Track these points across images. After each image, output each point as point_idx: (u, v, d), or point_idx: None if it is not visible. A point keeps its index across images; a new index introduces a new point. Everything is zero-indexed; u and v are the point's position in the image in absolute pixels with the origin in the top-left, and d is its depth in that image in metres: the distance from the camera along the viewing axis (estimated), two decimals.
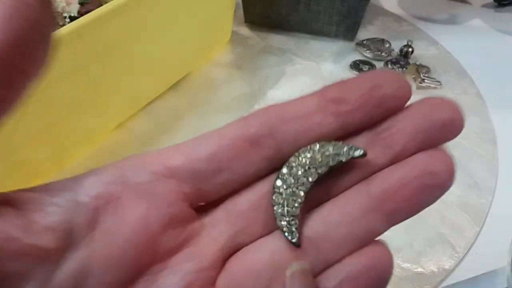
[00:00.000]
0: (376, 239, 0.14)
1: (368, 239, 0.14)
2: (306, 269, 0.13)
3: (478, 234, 0.29)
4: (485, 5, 0.52)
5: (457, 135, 0.13)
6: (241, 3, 0.46)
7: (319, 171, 0.14)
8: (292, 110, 0.14)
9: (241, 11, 0.47)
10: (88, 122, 0.33)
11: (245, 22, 0.48)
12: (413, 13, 0.50)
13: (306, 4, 0.44)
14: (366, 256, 0.13)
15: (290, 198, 0.14)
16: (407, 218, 0.14)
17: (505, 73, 0.42)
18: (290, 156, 0.14)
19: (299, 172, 0.14)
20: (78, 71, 0.29)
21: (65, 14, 0.37)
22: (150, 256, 0.14)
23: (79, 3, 0.37)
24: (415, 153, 0.13)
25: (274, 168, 0.14)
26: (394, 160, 0.13)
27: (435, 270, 0.26)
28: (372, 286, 0.13)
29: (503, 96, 0.39)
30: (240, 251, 0.14)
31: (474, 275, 0.26)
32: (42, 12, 0.12)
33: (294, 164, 0.14)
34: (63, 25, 0.35)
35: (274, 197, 0.14)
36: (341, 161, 0.13)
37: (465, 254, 0.27)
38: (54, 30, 0.12)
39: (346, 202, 0.14)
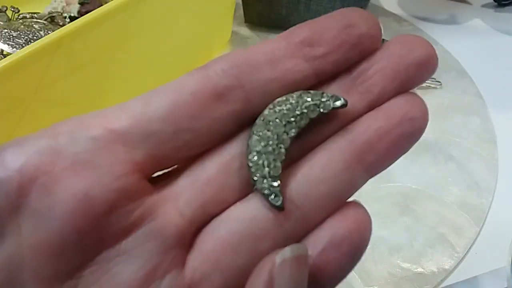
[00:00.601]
0: (354, 200, 0.12)
1: (348, 194, 0.12)
2: (302, 255, 0.11)
3: (478, 234, 0.29)
4: (485, 5, 0.52)
5: (433, 74, 0.13)
6: (241, 3, 0.46)
7: (299, 125, 0.12)
8: (259, 55, 0.12)
9: (241, 11, 0.47)
10: None
11: (245, 22, 0.48)
12: (413, 13, 0.50)
13: (306, 4, 0.44)
14: (348, 219, 0.12)
15: (270, 156, 0.12)
16: (385, 168, 0.12)
17: (505, 73, 0.42)
18: (260, 109, 0.12)
19: (277, 127, 0.12)
20: (78, 70, 0.29)
21: (65, 14, 0.37)
22: (96, 241, 0.11)
23: (79, 3, 0.37)
24: (393, 95, 0.12)
25: (242, 125, 0.12)
26: (373, 104, 0.12)
27: (435, 270, 0.26)
28: (355, 251, 0.12)
29: (503, 96, 0.39)
30: (211, 223, 0.12)
31: (474, 275, 0.27)
32: None
33: (270, 118, 0.12)
34: (63, 25, 0.35)
35: (250, 157, 0.12)
36: (322, 112, 0.12)
37: (465, 254, 0.27)
38: None
39: (326, 156, 0.12)
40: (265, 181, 0.12)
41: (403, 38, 0.13)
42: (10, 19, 0.38)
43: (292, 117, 0.12)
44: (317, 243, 0.12)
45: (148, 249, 0.11)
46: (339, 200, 0.12)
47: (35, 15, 0.38)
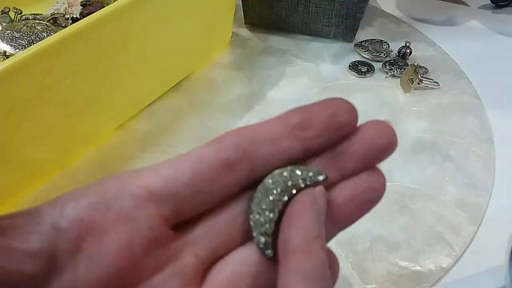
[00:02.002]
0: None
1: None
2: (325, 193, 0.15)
3: (476, 233, 0.29)
4: (482, 7, 0.52)
5: (391, 154, 0.16)
6: (241, 5, 0.47)
7: (290, 193, 0.15)
8: (263, 133, 0.15)
9: (241, 13, 0.48)
10: (90, 122, 0.33)
11: (245, 23, 0.49)
12: (411, 14, 0.51)
13: (306, 6, 0.44)
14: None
15: (267, 217, 0.15)
16: (352, 224, 0.16)
17: (502, 74, 0.42)
18: (260, 176, 0.15)
19: (274, 194, 0.15)
20: (80, 72, 0.29)
21: (67, 16, 0.37)
22: (134, 278, 0.14)
23: (81, 5, 0.38)
24: (361, 170, 0.16)
25: (245, 187, 0.16)
26: (345, 177, 0.16)
27: (433, 268, 0.27)
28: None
29: (500, 96, 0.40)
30: (219, 262, 0.16)
31: (471, 274, 0.27)
32: None
33: (269, 187, 0.15)
34: (65, 26, 0.35)
35: (251, 217, 0.15)
36: (308, 184, 0.15)
37: (463, 252, 0.28)
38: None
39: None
40: (261, 237, 0.15)
41: (374, 123, 0.16)
42: (13, 20, 0.38)
43: (286, 187, 0.15)
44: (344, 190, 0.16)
45: (173, 284, 0.15)
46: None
47: (38, 16, 0.39)
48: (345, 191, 0.16)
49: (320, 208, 0.15)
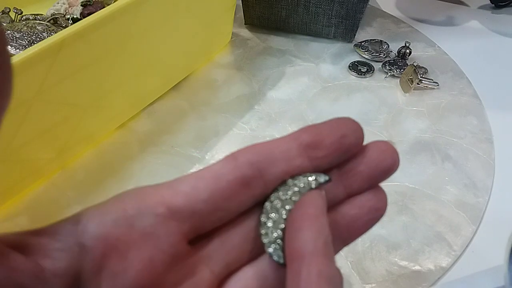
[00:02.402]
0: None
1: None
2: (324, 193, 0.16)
3: (475, 232, 0.29)
4: (482, 7, 0.52)
5: (392, 174, 0.17)
6: (241, 5, 0.47)
7: (294, 200, 0.16)
8: (277, 152, 0.16)
9: (241, 13, 0.48)
10: (90, 122, 0.33)
11: (245, 24, 0.49)
12: (411, 14, 0.51)
13: (305, 6, 0.44)
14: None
15: (275, 227, 0.16)
16: (356, 239, 0.17)
17: (502, 74, 0.42)
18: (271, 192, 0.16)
19: (279, 206, 0.16)
20: (80, 72, 0.29)
21: (67, 16, 0.37)
22: None
23: (81, 5, 0.38)
24: (366, 189, 0.17)
25: (258, 202, 0.17)
26: (351, 194, 0.17)
27: (433, 268, 0.27)
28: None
29: (500, 96, 0.40)
30: (232, 277, 0.16)
31: (471, 273, 0.27)
32: None
33: (276, 200, 0.16)
34: (66, 26, 0.35)
35: (262, 231, 0.16)
36: (312, 188, 0.16)
37: (462, 252, 0.28)
38: (8, 59, 0.12)
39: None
40: (272, 245, 0.16)
41: (378, 144, 0.17)
42: (13, 20, 0.38)
43: (290, 195, 0.16)
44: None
45: None
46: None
47: (38, 16, 0.39)
48: (351, 210, 0.17)
49: (324, 210, 0.15)
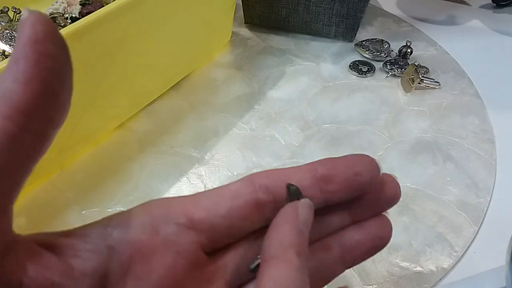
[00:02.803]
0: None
1: (332, 277, 0.18)
2: (311, 204, 0.16)
3: (477, 233, 0.29)
4: (483, 6, 0.52)
5: (393, 205, 0.19)
6: (241, 4, 0.47)
7: None
8: (292, 180, 0.17)
9: (241, 12, 0.48)
10: (89, 122, 0.33)
11: (245, 23, 0.48)
12: (412, 14, 0.51)
13: (306, 5, 0.44)
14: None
15: None
16: (358, 264, 0.18)
17: (503, 74, 0.42)
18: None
19: None
20: (79, 71, 0.29)
21: (66, 15, 0.37)
22: None
23: (80, 4, 0.38)
24: (370, 216, 0.18)
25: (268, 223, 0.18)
26: (355, 220, 0.18)
27: (434, 269, 0.27)
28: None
29: (502, 96, 0.39)
30: (246, 286, 0.18)
31: (472, 274, 0.27)
32: (63, 60, 0.12)
33: None
34: (65, 26, 0.35)
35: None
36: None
37: (464, 253, 0.28)
38: (72, 75, 0.13)
39: (324, 250, 0.18)
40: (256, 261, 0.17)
41: (383, 178, 0.18)
42: (12, 20, 0.38)
43: None
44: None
45: None
46: (327, 280, 0.18)
47: None
48: (355, 235, 0.18)
49: (303, 218, 0.16)
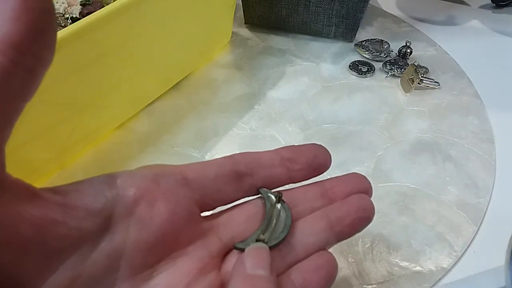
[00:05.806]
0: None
1: (324, 245, 0.20)
2: (264, 247, 0.18)
3: (476, 233, 0.29)
4: (483, 6, 0.52)
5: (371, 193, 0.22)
6: (241, 4, 0.47)
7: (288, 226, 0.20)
8: (266, 159, 0.21)
9: (241, 13, 0.48)
10: (89, 122, 0.33)
11: (245, 23, 0.48)
12: (411, 14, 0.51)
13: (306, 6, 0.44)
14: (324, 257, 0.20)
15: (275, 237, 0.19)
16: (349, 237, 0.21)
17: (503, 74, 0.42)
18: (257, 188, 0.21)
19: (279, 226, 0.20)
20: (79, 71, 0.29)
21: (66, 16, 0.37)
22: (173, 244, 0.17)
23: (80, 5, 0.38)
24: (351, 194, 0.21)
25: (250, 194, 0.21)
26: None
27: (433, 268, 0.27)
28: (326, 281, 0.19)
29: (501, 96, 0.39)
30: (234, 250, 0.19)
31: (472, 274, 0.27)
32: (47, 2, 0.13)
33: (274, 221, 0.20)
34: (65, 26, 0.35)
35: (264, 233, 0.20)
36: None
37: (463, 253, 0.28)
38: (55, 19, 0.14)
39: (314, 222, 0.20)
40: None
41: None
42: None
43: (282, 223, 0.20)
44: (304, 267, 0.20)
45: (201, 255, 0.18)
46: (318, 247, 0.20)
47: None
48: (343, 207, 0.20)
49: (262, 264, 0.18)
